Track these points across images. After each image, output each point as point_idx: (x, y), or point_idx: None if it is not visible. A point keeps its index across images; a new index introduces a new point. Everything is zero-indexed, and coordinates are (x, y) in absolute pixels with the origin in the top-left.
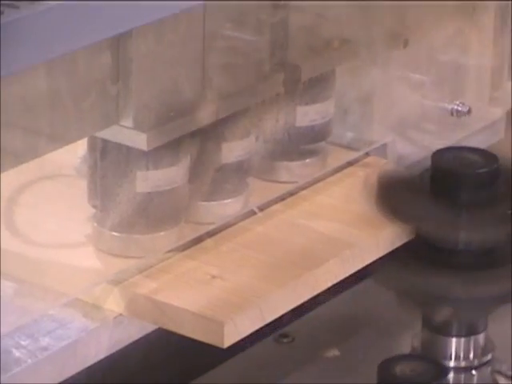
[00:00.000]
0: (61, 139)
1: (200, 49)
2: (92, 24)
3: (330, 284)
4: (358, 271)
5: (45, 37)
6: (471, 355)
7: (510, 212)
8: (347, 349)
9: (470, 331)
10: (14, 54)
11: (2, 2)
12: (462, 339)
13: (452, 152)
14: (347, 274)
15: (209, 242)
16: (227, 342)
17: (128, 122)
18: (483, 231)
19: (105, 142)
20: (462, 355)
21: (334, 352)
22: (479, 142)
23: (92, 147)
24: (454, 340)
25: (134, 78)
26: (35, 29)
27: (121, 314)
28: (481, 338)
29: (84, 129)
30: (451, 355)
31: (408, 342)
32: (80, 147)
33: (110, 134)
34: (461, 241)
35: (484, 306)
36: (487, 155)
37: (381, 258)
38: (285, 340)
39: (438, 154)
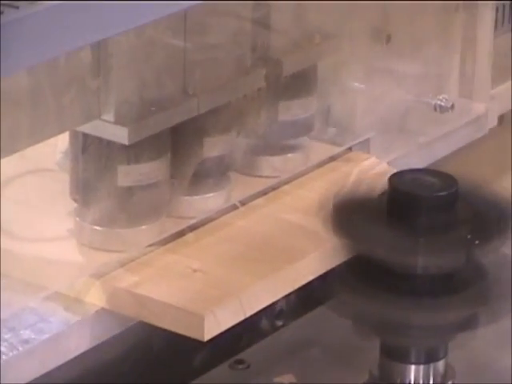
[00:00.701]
0: (42, 133)
1: (181, 43)
2: (92, 24)
3: (310, 278)
4: (313, 297)
5: (45, 37)
6: (431, 382)
7: (469, 237)
8: (303, 375)
9: (429, 358)
10: (14, 53)
11: (2, 2)
12: (421, 366)
13: (410, 174)
14: (328, 269)
15: (190, 236)
16: (207, 334)
17: (109, 116)
18: (442, 256)
19: (86, 136)
20: (421, 382)
21: (289, 379)
22: (463, 137)
23: (73, 141)
24: (412, 367)
25: (114, 73)
26: (35, 29)
27: (102, 308)
28: (440, 364)
29: (65, 123)
30: (410, 382)
31: (366, 368)
32: (62, 142)
33: (92, 128)
34: (419, 266)
35: (443, 333)
36: (446, 178)
37: (333, 285)
38: (240, 366)
39: (396, 176)
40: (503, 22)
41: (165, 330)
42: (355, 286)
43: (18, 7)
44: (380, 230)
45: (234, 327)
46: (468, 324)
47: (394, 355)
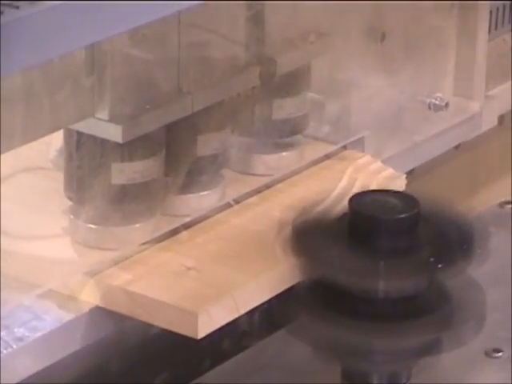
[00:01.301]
0: (36, 132)
1: (175, 42)
2: (92, 24)
3: (304, 276)
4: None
5: (45, 37)
6: None
7: (432, 259)
8: None
9: (391, 383)
10: (14, 53)
11: (2, 2)
12: None
13: (371, 196)
14: None
15: (184, 234)
16: (201, 332)
17: (103, 114)
18: (404, 280)
19: (80, 134)
20: None
21: None
22: (457, 136)
23: (68, 139)
24: None
25: (109, 71)
26: (35, 29)
27: (96, 306)
28: None
29: (59, 121)
30: None
31: None
32: (56, 140)
33: (86, 126)
34: (380, 290)
35: (406, 358)
36: (408, 199)
37: (293, 308)
38: None
39: (357, 198)
40: (503, 22)
41: (123, 353)
42: (315, 310)
43: (18, 7)
44: (340, 253)
45: (195, 349)
46: (431, 349)
47: (356, 380)
